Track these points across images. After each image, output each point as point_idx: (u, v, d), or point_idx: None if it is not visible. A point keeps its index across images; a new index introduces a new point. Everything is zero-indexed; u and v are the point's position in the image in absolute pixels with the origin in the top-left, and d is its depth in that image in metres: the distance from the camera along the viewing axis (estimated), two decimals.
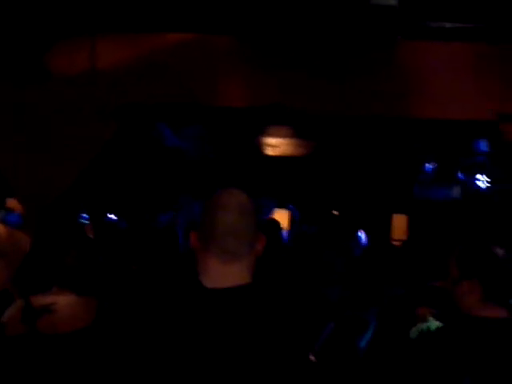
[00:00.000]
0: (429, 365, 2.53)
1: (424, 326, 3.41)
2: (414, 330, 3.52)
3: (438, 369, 2.50)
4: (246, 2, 6.18)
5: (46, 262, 2.77)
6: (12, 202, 6.04)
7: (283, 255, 5.67)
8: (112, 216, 9.67)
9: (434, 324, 3.07)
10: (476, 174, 9.25)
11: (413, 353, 2.70)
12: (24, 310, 2.56)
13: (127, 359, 1.98)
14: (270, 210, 10.56)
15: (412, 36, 6.48)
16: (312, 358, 2.13)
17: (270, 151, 10.41)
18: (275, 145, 10.14)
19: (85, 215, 8.26)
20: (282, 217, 10.30)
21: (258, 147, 10.24)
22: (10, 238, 2.82)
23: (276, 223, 6.17)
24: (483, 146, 8.67)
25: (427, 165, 9.70)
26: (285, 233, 9.44)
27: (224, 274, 2.06)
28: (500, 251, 2.70)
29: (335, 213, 11.13)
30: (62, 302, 2.63)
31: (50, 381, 2.49)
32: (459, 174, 9.55)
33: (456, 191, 9.45)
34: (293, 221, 11.05)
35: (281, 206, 11.10)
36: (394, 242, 9.76)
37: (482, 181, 9.22)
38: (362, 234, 8.71)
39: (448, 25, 6.34)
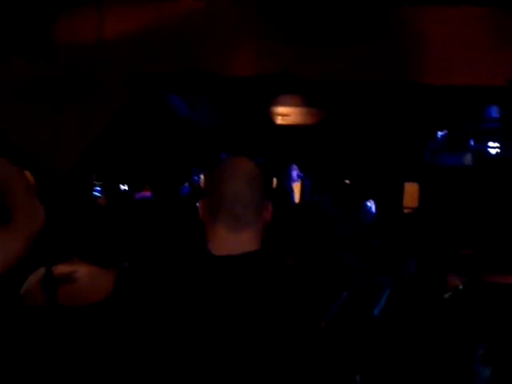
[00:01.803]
0: (443, 332, 2.54)
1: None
2: (446, 296, 3.52)
3: (453, 336, 2.51)
4: None
5: (63, 234, 2.78)
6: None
7: (294, 221, 5.68)
8: (125, 187, 9.67)
9: None
10: (488, 140, 9.18)
11: (428, 320, 2.71)
12: (45, 279, 2.57)
13: (143, 328, 2.00)
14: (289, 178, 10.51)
15: (424, 1, 6.42)
16: (323, 325, 2.14)
17: (280, 120, 10.39)
18: (286, 113, 10.12)
19: (98, 188, 8.26)
20: (293, 186, 10.30)
21: (269, 116, 10.21)
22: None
23: (286, 189, 6.18)
24: (494, 112, 8.60)
25: (438, 132, 9.63)
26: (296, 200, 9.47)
27: (232, 241, 2.06)
28: None
29: (346, 181, 11.14)
30: (82, 271, 2.65)
31: (68, 354, 2.51)
32: (471, 141, 9.48)
33: (468, 158, 9.38)
34: (304, 189, 11.03)
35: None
36: (406, 210, 9.77)
37: (494, 147, 9.15)
38: (371, 204, 8.70)
39: None
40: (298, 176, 9.81)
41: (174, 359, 1.94)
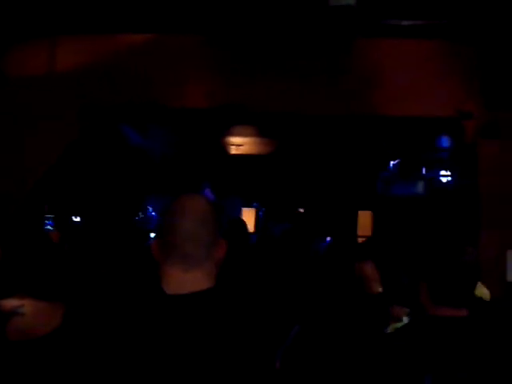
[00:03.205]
0: (389, 365, 2.56)
1: (398, 325, 3.43)
2: (389, 328, 3.53)
3: (399, 369, 2.52)
4: (207, 3, 6.17)
5: (9, 269, 2.74)
6: None
7: (250, 255, 5.68)
8: (77, 219, 9.60)
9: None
10: (439, 169, 9.35)
11: (378, 352, 2.72)
12: None
13: (91, 364, 1.98)
14: (237, 209, 10.57)
15: (371, 34, 6.51)
16: (277, 364, 2.13)
17: (234, 150, 10.43)
18: (239, 143, 10.16)
19: (49, 221, 8.19)
20: (247, 215, 10.34)
21: (223, 146, 10.25)
22: None
23: (242, 223, 6.18)
24: (445, 142, 8.75)
25: (390, 161, 9.77)
26: (251, 232, 9.47)
27: (184, 280, 2.06)
28: (470, 251, 2.72)
29: (300, 210, 11.20)
30: (29, 306, 2.61)
31: None
32: (422, 170, 9.63)
33: (420, 187, 9.53)
34: (258, 219, 11.08)
35: (246, 205, 11.11)
36: (360, 239, 9.84)
37: (446, 176, 9.31)
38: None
39: (406, 22, 6.38)
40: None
41: None
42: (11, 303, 2.58)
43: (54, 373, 2.38)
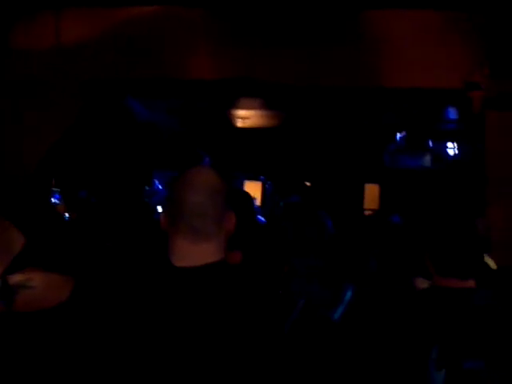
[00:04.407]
0: (398, 337, 2.56)
1: None
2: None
3: (407, 340, 2.53)
4: None
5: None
6: None
7: (256, 228, 5.67)
8: (84, 193, 9.61)
9: None
10: (446, 141, 9.31)
11: (385, 323, 2.72)
12: (1, 288, 2.56)
13: (100, 335, 1.99)
14: (240, 183, 10.55)
15: (377, 5, 6.46)
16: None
17: (240, 123, 10.40)
18: (246, 116, 10.12)
19: (57, 195, 8.19)
20: (254, 188, 10.31)
21: (229, 119, 10.21)
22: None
23: (247, 195, 6.16)
24: (452, 114, 8.71)
25: (397, 134, 9.73)
26: (257, 204, 9.47)
27: (193, 252, 2.06)
28: (480, 222, 2.73)
29: (307, 184, 11.19)
30: (38, 279, 2.63)
31: (28, 359, 2.49)
32: (429, 142, 9.60)
33: (427, 159, 9.51)
34: (265, 192, 11.06)
35: (252, 178, 11.08)
36: (366, 212, 9.85)
37: (452, 148, 9.29)
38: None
39: None
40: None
41: (130, 367, 1.93)
42: (19, 277, 2.61)
43: (58, 345, 2.40)
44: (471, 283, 2.62)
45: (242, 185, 10.54)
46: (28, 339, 2.48)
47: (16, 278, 2.61)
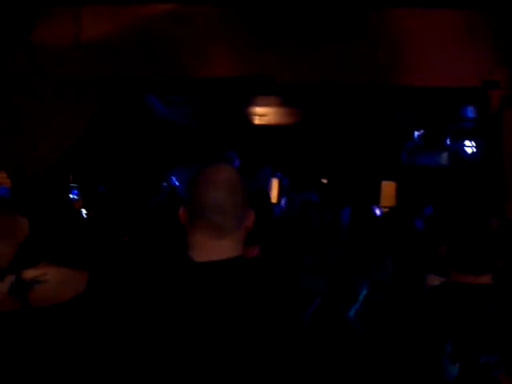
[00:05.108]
0: (414, 331, 2.58)
1: None
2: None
3: (422, 334, 2.55)
4: None
5: (36, 238, 2.78)
6: (1, 176, 6.05)
7: (273, 225, 5.69)
8: (103, 188, 9.63)
9: None
10: (464, 140, 9.28)
11: (401, 319, 2.74)
12: (15, 283, 2.58)
13: (116, 331, 2.00)
14: (267, 180, 10.53)
15: (397, 3, 6.46)
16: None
17: (257, 120, 10.40)
18: (263, 114, 10.13)
19: (75, 191, 8.22)
20: (271, 185, 10.30)
21: (246, 116, 10.22)
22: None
23: (265, 193, 6.17)
24: (471, 112, 8.68)
25: (415, 132, 9.71)
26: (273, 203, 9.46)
27: (212, 248, 2.06)
28: (494, 221, 2.74)
29: (324, 181, 11.18)
30: (52, 274, 2.66)
31: (42, 354, 2.52)
32: (447, 141, 9.57)
33: (444, 157, 9.49)
34: (282, 189, 11.04)
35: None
36: (383, 209, 9.82)
37: (470, 147, 9.25)
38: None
39: None
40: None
41: (150, 361, 1.94)
42: (33, 272, 2.64)
43: (74, 339, 2.43)
44: (487, 279, 2.64)
45: (269, 182, 10.52)
46: (44, 333, 2.51)
47: (30, 274, 2.64)
